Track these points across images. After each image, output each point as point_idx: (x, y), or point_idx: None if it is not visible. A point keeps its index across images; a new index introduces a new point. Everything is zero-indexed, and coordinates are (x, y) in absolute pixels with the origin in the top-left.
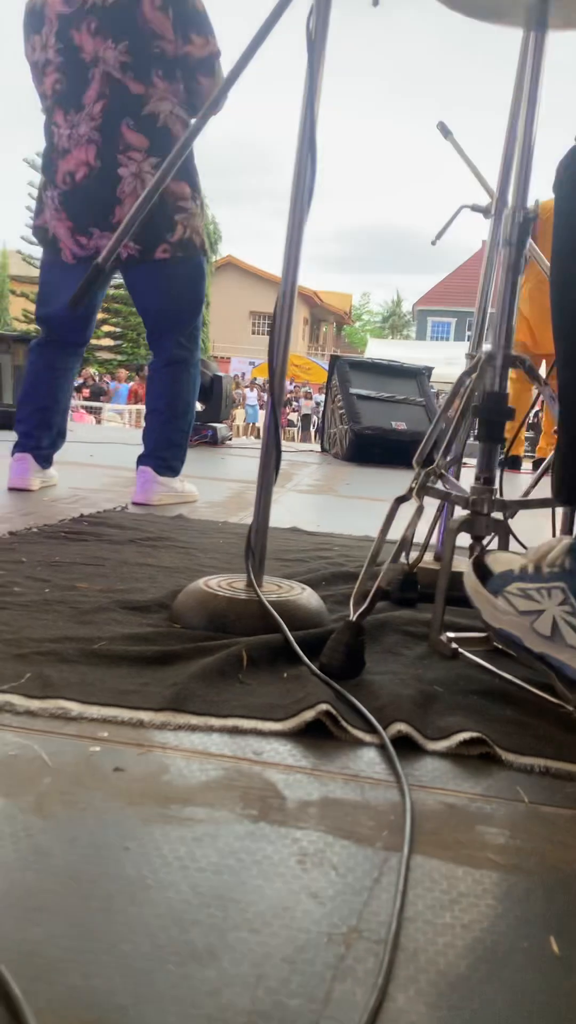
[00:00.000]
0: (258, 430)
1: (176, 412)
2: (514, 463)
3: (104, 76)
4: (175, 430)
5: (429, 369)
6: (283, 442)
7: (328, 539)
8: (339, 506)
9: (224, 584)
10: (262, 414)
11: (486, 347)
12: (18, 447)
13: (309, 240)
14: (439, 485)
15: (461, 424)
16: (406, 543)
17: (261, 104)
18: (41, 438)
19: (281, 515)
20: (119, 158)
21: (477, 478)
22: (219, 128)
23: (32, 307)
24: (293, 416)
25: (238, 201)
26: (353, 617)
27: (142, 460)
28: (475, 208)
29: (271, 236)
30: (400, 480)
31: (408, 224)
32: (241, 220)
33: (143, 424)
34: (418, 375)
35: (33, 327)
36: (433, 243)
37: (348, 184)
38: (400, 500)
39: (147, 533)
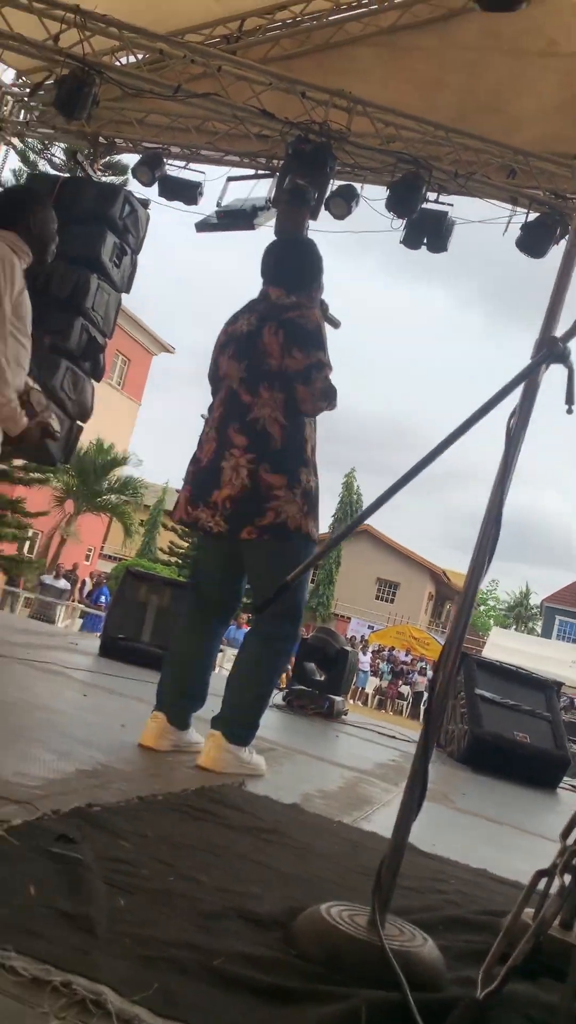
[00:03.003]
0: (367, 696)
1: (254, 681)
2: None
3: (227, 389)
4: (251, 699)
5: (559, 684)
6: (394, 725)
7: (444, 866)
8: (456, 822)
9: (345, 916)
10: (372, 680)
11: None
12: (156, 704)
13: (440, 517)
14: None
15: None
16: (544, 926)
17: (407, 388)
18: (177, 697)
19: (390, 817)
20: (224, 454)
21: None
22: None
23: (178, 541)
24: (405, 689)
25: (375, 472)
26: (480, 995)
27: (214, 723)
28: None
29: (403, 508)
30: (523, 802)
31: (542, 518)
32: (381, 488)
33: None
34: (547, 689)
35: (175, 559)
36: (569, 411)
37: (486, 469)
38: (541, 874)
39: (262, 821)
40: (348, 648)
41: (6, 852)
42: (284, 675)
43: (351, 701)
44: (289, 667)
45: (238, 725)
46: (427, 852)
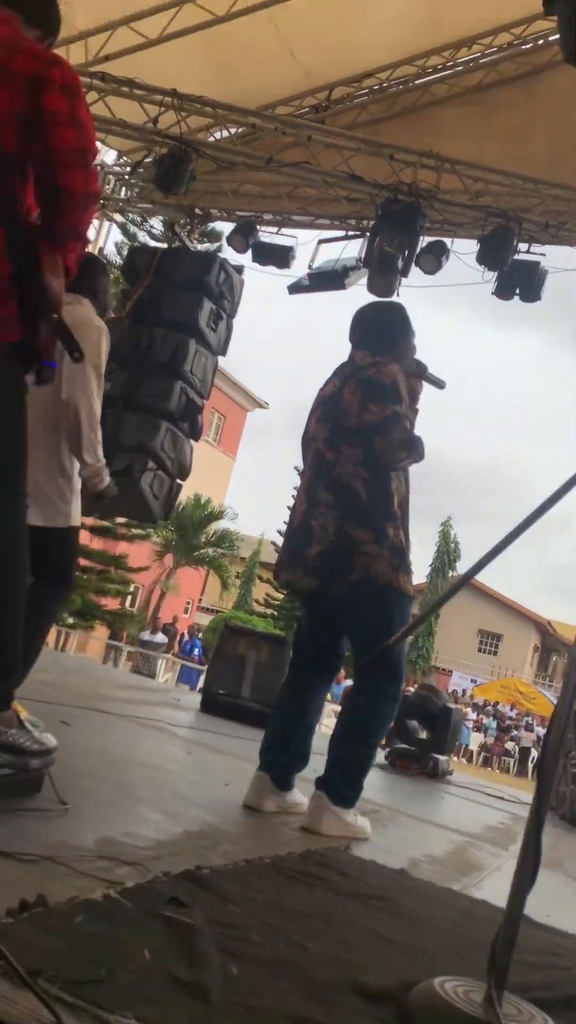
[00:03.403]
0: (471, 752)
1: (356, 739)
2: None
3: (314, 451)
4: (354, 759)
5: None
6: (502, 785)
7: (561, 940)
8: (571, 891)
9: (461, 992)
10: (476, 736)
11: None
12: (260, 764)
13: (541, 565)
14: None
15: None
16: None
17: (502, 434)
18: (281, 756)
19: (501, 885)
20: (313, 513)
21: None
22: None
23: (274, 592)
24: (511, 745)
25: (472, 519)
26: None
27: (318, 783)
28: None
29: (503, 556)
30: None
31: None
32: (476, 537)
33: None
34: None
35: (270, 611)
36: None
37: None
38: None
39: (370, 887)
40: (451, 705)
41: (121, 914)
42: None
43: (455, 758)
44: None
45: (342, 786)
46: (542, 923)
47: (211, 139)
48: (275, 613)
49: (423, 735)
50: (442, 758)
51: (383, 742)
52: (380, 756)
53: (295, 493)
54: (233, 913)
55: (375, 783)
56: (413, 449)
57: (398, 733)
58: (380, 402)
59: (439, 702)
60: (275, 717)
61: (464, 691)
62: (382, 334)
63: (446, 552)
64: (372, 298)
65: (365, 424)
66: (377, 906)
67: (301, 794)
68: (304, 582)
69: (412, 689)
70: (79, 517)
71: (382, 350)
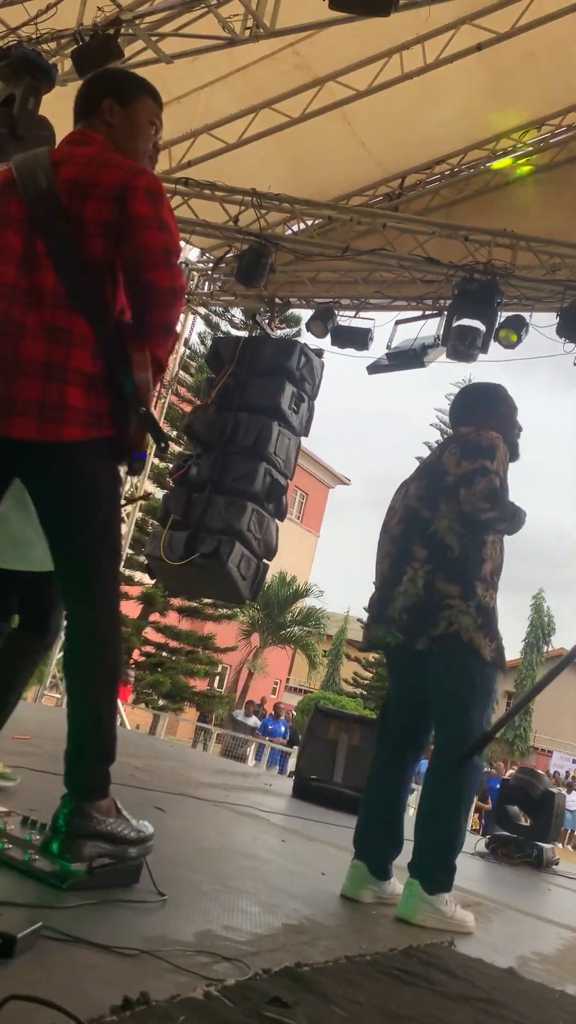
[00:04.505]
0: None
1: (443, 819)
2: None
3: (406, 507)
4: (443, 839)
5: None
6: None
7: None
8: None
9: None
10: None
11: None
12: (355, 853)
13: None
14: None
15: None
16: None
17: None
18: (375, 843)
19: None
20: (404, 568)
21: None
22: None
23: (362, 672)
24: None
25: (565, 590)
26: None
27: (410, 870)
28: None
29: None
30: None
31: None
32: (570, 608)
33: None
34: None
35: (359, 691)
36: None
37: None
38: None
39: (478, 989)
40: (554, 789)
41: (222, 1014)
42: (476, 815)
43: (560, 846)
44: (486, 805)
45: (433, 870)
46: None
47: (289, 232)
48: (364, 693)
49: (525, 822)
50: (547, 846)
51: (473, 824)
52: (480, 844)
53: (377, 558)
54: (336, 1016)
55: (475, 873)
56: (502, 508)
57: (498, 820)
58: (472, 457)
59: (541, 786)
60: (366, 802)
61: (567, 772)
62: (487, 411)
63: (540, 626)
64: (451, 376)
65: (460, 477)
66: (487, 1010)
67: (399, 883)
68: (389, 638)
69: (511, 772)
70: None
71: (487, 425)
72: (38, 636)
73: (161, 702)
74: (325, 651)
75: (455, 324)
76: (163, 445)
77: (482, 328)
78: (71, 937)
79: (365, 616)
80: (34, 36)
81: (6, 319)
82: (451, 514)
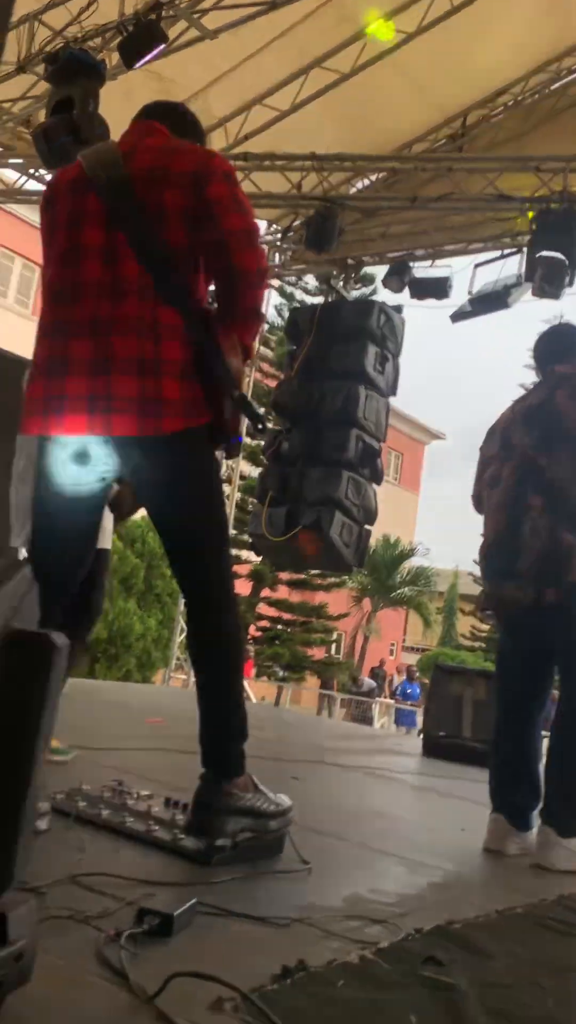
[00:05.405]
0: None
1: (570, 762)
2: None
3: (521, 456)
4: (571, 783)
5: None
6: None
7: None
8: None
9: None
10: None
11: None
12: (493, 805)
13: None
14: None
15: None
16: None
17: None
18: (513, 795)
19: None
20: (522, 518)
21: None
22: None
23: (479, 625)
24: None
25: None
26: None
27: (542, 815)
28: None
29: None
30: None
31: None
32: None
33: None
34: None
35: (478, 644)
36: None
37: None
38: None
39: None
40: None
41: (380, 977)
42: None
43: None
44: None
45: (565, 815)
46: None
47: (353, 190)
48: (483, 646)
49: None
50: None
51: None
52: None
53: (487, 508)
54: (495, 971)
55: None
56: None
57: None
58: None
59: None
60: (495, 755)
61: None
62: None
63: None
64: (533, 315)
65: None
66: None
67: None
68: (518, 594)
69: None
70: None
71: None
72: (81, 623)
73: (282, 673)
74: (439, 608)
75: (537, 257)
76: (260, 427)
77: (565, 260)
78: (224, 911)
79: (478, 571)
80: (79, 36)
81: (95, 318)
82: (572, 463)
